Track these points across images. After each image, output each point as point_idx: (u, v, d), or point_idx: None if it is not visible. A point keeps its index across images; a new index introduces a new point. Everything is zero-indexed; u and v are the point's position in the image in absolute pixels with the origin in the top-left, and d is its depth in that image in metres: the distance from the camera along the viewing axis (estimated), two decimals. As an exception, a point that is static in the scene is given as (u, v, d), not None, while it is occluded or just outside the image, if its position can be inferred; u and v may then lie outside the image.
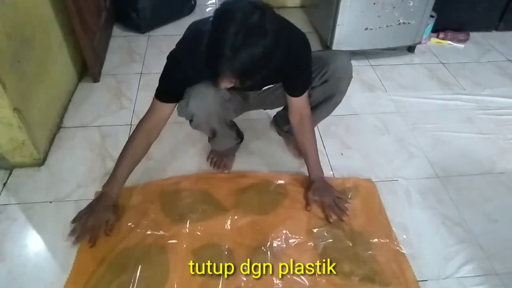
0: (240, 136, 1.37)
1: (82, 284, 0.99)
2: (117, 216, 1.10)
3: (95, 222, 1.06)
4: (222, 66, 0.77)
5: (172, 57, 0.99)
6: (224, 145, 1.30)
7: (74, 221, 1.09)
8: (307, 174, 1.23)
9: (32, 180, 1.27)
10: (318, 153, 1.20)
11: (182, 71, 0.97)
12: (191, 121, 1.09)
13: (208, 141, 1.31)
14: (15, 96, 1.16)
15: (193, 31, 0.98)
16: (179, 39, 1.01)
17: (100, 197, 1.09)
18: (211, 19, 0.81)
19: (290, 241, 1.10)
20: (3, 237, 1.10)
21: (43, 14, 1.42)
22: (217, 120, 1.12)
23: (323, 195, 1.17)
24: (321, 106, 1.19)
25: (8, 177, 1.27)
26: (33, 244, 1.09)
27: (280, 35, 0.78)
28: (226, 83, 0.83)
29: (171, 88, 1.02)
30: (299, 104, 1.11)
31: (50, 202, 1.20)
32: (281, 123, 1.40)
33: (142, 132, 1.06)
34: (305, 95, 1.09)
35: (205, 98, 1.01)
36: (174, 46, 1.00)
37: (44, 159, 1.33)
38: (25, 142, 1.24)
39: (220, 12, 0.78)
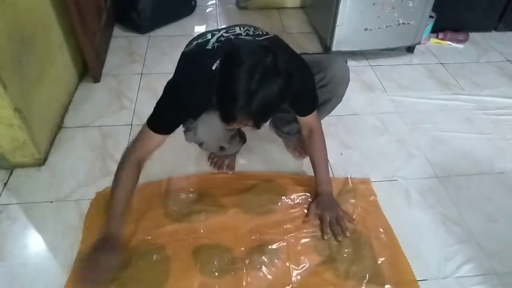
0: (243, 138, 1.37)
1: (82, 284, 0.99)
2: (121, 259, 0.95)
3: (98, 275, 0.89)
4: (238, 111, 0.75)
5: (171, 92, 0.94)
6: (230, 151, 1.30)
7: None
8: (307, 175, 1.23)
9: (33, 180, 1.27)
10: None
11: (181, 107, 0.93)
12: (200, 144, 1.10)
13: None
14: (16, 96, 1.16)
15: (193, 64, 0.95)
16: (176, 69, 0.99)
17: (102, 241, 0.90)
18: (218, 59, 0.82)
19: (290, 240, 1.10)
20: (3, 237, 1.10)
21: (44, 14, 1.42)
22: (226, 140, 1.15)
23: (326, 210, 1.12)
24: (319, 109, 1.19)
25: (9, 177, 1.28)
26: (34, 244, 1.10)
27: (291, 74, 0.78)
28: (240, 125, 0.83)
29: (168, 121, 0.97)
30: (309, 121, 1.11)
31: (51, 202, 1.20)
32: (280, 125, 1.40)
33: (132, 163, 0.96)
34: (314, 112, 1.09)
35: (213, 126, 1.00)
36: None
37: (45, 159, 1.34)
38: (26, 142, 1.24)
39: (231, 56, 0.77)
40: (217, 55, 0.89)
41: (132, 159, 0.96)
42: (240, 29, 1.01)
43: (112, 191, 0.96)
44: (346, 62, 1.13)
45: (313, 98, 1.07)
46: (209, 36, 0.99)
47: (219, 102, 0.79)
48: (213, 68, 0.89)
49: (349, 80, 1.13)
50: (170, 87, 0.97)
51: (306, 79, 1.01)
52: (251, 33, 1.01)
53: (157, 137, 0.97)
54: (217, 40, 0.96)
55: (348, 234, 1.09)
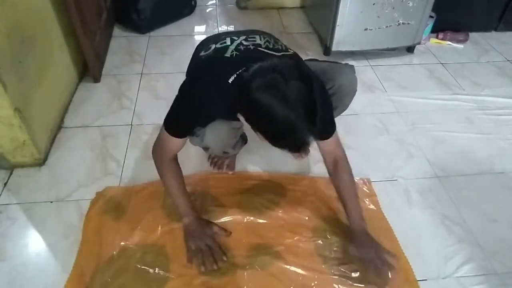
0: (244, 139, 1.37)
1: (83, 284, 0.99)
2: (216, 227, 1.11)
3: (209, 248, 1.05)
4: (305, 136, 0.76)
5: (183, 99, 0.94)
6: (232, 154, 1.30)
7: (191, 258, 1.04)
8: (308, 175, 1.22)
9: (33, 180, 1.27)
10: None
11: (190, 119, 0.95)
12: (205, 149, 1.11)
13: None
14: (16, 96, 1.16)
15: (209, 73, 0.92)
16: (191, 74, 0.98)
17: (192, 226, 1.06)
18: (236, 72, 0.84)
19: (290, 241, 1.10)
20: (3, 237, 1.11)
21: (44, 14, 1.42)
22: (231, 146, 1.16)
23: (367, 254, 1.02)
24: None
25: (9, 177, 1.28)
26: (34, 244, 1.10)
27: (315, 77, 0.84)
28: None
29: (179, 128, 0.98)
30: (330, 146, 1.04)
31: (51, 202, 1.20)
32: None
33: (166, 161, 1.02)
34: (335, 135, 1.03)
35: (220, 133, 1.01)
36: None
37: (45, 159, 1.33)
38: (26, 142, 1.24)
39: (253, 93, 0.73)
40: (236, 66, 0.87)
41: (164, 160, 1.02)
42: (260, 39, 0.98)
43: (166, 190, 1.07)
44: (355, 73, 1.10)
45: (332, 119, 1.02)
46: (228, 41, 0.96)
47: (277, 140, 0.79)
48: (230, 81, 0.86)
49: (356, 91, 1.11)
50: (182, 94, 0.94)
51: (326, 101, 0.97)
52: (271, 46, 0.98)
53: (175, 140, 0.98)
54: (236, 48, 0.93)
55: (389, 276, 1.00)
